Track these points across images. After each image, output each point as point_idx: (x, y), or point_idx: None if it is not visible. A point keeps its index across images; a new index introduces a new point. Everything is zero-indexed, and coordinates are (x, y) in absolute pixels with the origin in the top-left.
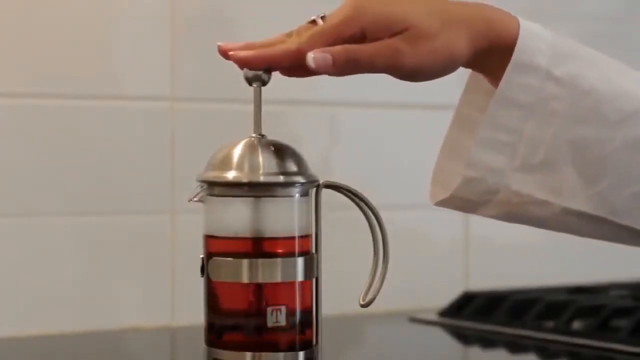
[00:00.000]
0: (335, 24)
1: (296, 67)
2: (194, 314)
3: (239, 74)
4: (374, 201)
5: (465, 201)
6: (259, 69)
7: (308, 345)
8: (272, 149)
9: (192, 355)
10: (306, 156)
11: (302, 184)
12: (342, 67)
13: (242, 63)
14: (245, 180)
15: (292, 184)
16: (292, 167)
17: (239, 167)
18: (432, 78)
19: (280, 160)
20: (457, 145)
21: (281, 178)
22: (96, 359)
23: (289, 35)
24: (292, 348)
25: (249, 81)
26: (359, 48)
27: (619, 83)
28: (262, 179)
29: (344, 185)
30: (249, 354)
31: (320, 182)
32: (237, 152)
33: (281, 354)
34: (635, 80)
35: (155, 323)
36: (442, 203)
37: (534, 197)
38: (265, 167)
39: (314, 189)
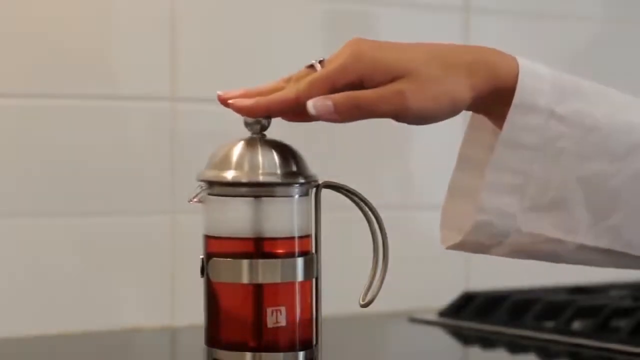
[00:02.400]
0: (333, 71)
1: (296, 113)
2: (194, 314)
3: (239, 74)
4: (374, 201)
5: (477, 244)
6: (259, 117)
7: (308, 345)
8: (272, 148)
9: (192, 355)
10: (306, 156)
11: (302, 184)
12: (345, 113)
13: (242, 112)
14: (244, 180)
15: (291, 184)
16: (292, 167)
17: (239, 167)
18: (435, 122)
19: (280, 160)
20: (464, 186)
21: (281, 178)
22: (96, 359)
23: (287, 80)
24: (292, 348)
25: (249, 127)
26: (362, 94)
27: (623, 116)
28: (261, 178)
29: (343, 185)
30: (249, 354)
31: (320, 182)
32: (236, 151)
33: (281, 354)
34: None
35: (155, 323)
36: (455, 247)
37: (546, 236)
38: (264, 166)
39: (314, 189)
